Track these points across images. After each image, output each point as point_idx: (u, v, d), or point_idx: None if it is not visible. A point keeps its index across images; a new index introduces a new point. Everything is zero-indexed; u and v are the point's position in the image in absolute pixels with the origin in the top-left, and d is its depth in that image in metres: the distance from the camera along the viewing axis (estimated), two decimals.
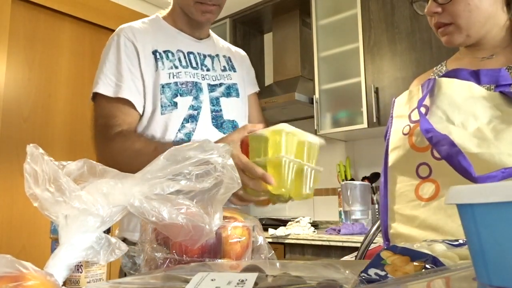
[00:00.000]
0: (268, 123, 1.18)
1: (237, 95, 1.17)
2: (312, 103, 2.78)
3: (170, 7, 1.18)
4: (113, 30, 1.12)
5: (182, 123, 1.05)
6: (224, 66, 1.19)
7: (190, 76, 1.09)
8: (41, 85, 2.58)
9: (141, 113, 1.05)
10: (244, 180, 0.77)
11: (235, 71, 1.21)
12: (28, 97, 2.51)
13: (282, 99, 2.78)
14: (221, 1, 1.08)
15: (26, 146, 0.48)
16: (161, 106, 1.03)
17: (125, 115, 1.02)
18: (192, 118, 1.06)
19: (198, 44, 1.17)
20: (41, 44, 2.61)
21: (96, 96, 1.04)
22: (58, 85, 2.64)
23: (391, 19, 2.49)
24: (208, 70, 1.14)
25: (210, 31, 1.25)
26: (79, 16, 2.73)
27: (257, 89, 1.31)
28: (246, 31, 3.39)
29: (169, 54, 1.09)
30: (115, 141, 0.98)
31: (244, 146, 0.84)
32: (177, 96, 1.05)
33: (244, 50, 1.37)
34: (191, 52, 1.13)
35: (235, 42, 3.17)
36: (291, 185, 0.76)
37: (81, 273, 0.51)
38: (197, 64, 1.13)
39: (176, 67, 1.08)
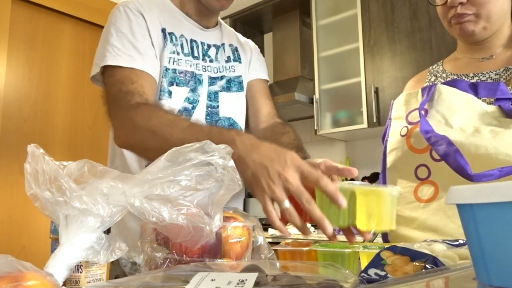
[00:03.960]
0: (282, 119, 1.09)
1: (240, 89, 1.10)
2: (312, 103, 2.78)
3: None
4: None
5: None
6: (228, 57, 1.11)
7: (190, 66, 1.01)
8: (41, 85, 2.58)
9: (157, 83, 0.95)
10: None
11: (240, 62, 1.13)
12: (28, 97, 2.51)
13: (282, 99, 2.78)
14: None
15: (27, 146, 0.48)
16: (160, 90, 0.95)
17: (144, 81, 0.91)
18: (186, 112, 0.98)
19: (204, 33, 1.08)
20: (41, 44, 2.61)
21: (106, 70, 0.94)
22: (58, 85, 2.64)
23: (391, 19, 2.49)
24: (211, 61, 1.07)
25: (220, 19, 1.16)
26: (79, 16, 2.73)
27: (264, 76, 1.18)
28: (246, 31, 3.39)
29: (173, 37, 1.01)
30: (140, 109, 0.84)
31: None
32: (173, 84, 0.97)
33: None
34: (194, 41, 1.05)
35: None
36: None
37: (81, 273, 0.51)
38: (199, 54, 1.05)
39: (178, 53, 1.00)
